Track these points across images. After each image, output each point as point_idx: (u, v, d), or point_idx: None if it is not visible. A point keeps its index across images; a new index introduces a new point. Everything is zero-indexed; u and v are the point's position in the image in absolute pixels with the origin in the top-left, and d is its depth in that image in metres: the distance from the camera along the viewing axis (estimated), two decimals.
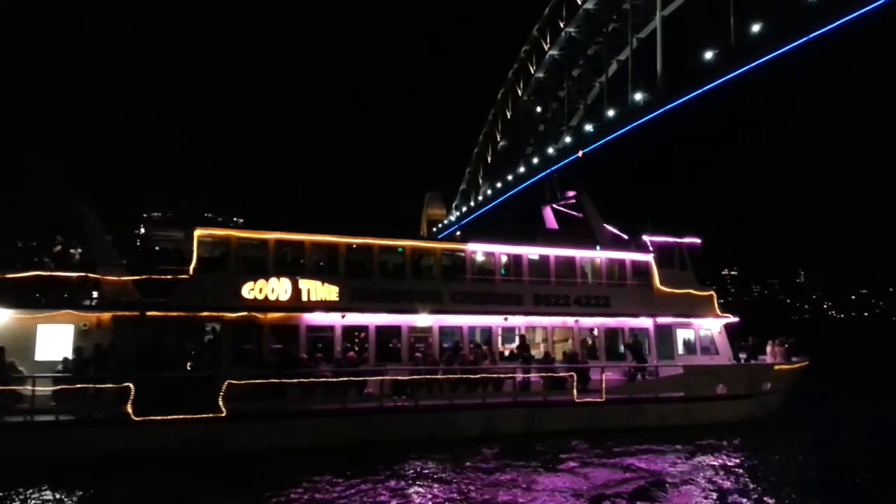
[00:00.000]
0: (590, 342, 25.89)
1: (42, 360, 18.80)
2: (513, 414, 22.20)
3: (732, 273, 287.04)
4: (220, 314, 20.63)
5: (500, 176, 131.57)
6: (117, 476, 16.57)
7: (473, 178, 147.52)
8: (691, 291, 27.34)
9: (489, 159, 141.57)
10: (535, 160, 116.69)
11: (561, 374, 23.20)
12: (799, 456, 21.61)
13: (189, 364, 20.45)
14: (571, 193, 29.71)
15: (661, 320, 26.53)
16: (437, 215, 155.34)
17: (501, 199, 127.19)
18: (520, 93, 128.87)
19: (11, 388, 17.54)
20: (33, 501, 14.95)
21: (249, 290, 20.82)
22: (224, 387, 18.79)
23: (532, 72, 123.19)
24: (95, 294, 20.00)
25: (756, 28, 68.68)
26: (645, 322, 26.39)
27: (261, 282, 20.98)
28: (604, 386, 23.11)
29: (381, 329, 22.80)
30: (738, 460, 20.33)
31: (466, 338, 24.01)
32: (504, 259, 25.32)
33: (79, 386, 18.02)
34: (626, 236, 28.04)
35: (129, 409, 17.79)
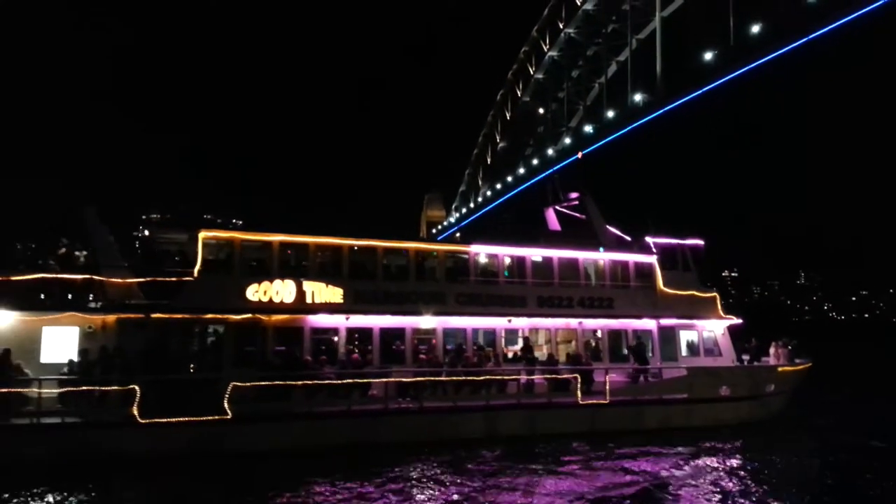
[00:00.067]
0: (593, 344, 25.90)
1: (47, 362, 18.81)
2: (516, 416, 22.22)
3: (733, 275, 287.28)
4: (225, 316, 20.64)
5: (499, 177, 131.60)
6: (123, 478, 16.63)
7: (473, 179, 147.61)
8: (694, 293, 27.36)
9: (489, 160, 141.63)
10: (535, 161, 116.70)
11: (564, 376, 23.23)
12: (801, 457, 21.66)
13: (192, 366, 20.47)
14: (574, 195, 29.70)
15: (665, 322, 26.56)
16: (436, 217, 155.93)
17: (501, 200, 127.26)
18: (519, 94, 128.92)
19: (17, 390, 17.55)
20: (39, 503, 14.96)
21: (254, 292, 20.84)
22: (229, 389, 18.80)
23: (531, 73, 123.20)
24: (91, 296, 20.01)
25: (755, 29, 68.55)
26: (648, 324, 26.41)
27: (265, 284, 21.00)
28: (607, 388, 23.13)
29: (385, 331, 22.81)
30: (740, 462, 20.38)
31: (470, 340, 24.02)
32: (507, 261, 25.35)
33: (84, 388, 18.04)
34: (628, 238, 28.07)
35: (135, 412, 17.82)
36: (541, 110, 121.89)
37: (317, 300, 21.58)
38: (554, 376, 23.24)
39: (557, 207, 30.55)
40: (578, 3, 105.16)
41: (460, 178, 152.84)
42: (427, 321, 23.21)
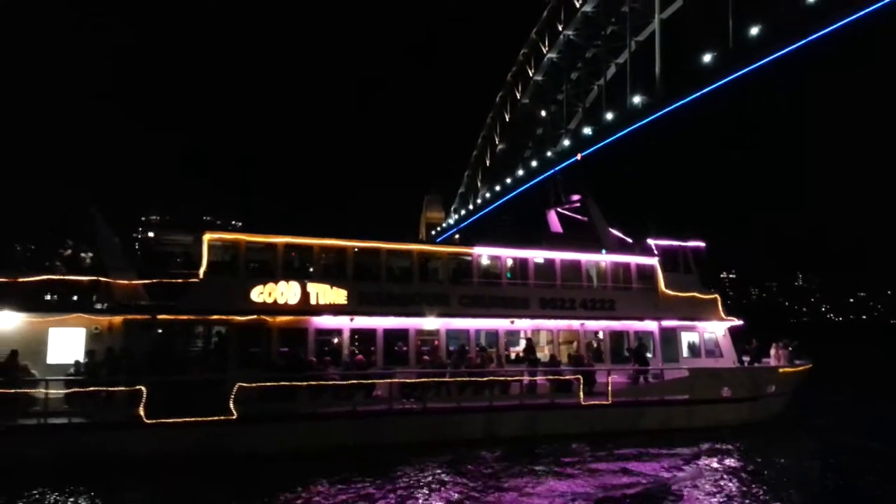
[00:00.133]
0: (595, 345, 26.03)
1: (54, 363, 18.92)
2: (519, 416, 22.34)
3: (731, 276, 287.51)
4: (230, 317, 20.76)
5: (498, 179, 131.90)
6: (129, 478, 16.72)
7: (472, 181, 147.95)
8: (696, 295, 27.50)
9: (488, 162, 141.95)
10: (534, 163, 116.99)
11: (567, 377, 23.35)
12: (802, 458, 21.75)
13: (197, 367, 20.57)
14: (576, 197, 29.85)
15: (666, 323, 26.70)
16: (435, 218, 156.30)
17: (500, 202, 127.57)
18: (518, 96, 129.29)
19: (25, 390, 17.67)
20: (46, 503, 15.07)
21: (259, 294, 20.97)
22: (234, 390, 18.92)
23: (531, 75, 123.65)
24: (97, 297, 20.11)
25: (755, 30, 68.79)
26: (650, 325, 26.55)
27: (270, 285, 21.13)
28: (610, 389, 23.26)
29: (388, 332, 22.94)
30: (741, 463, 20.48)
31: (473, 341, 24.15)
32: (510, 263, 25.51)
33: (91, 389, 18.17)
34: (630, 240, 28.21)
35: (142, 412, 17.94)
36: (544, 113, 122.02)
37: (321, 301, 21.70)
38: (556, 377, 23.37)
39: (559, 209, 30.70)
40: (577, 6, 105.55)
41: (459, 179, 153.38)
42: (430, 322, 23.33)
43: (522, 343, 25.04)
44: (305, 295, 21.49)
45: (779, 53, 66.23)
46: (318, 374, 20.62)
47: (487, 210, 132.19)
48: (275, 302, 21.11)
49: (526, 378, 23.24)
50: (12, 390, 17.41)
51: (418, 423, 21.00)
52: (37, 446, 17.02)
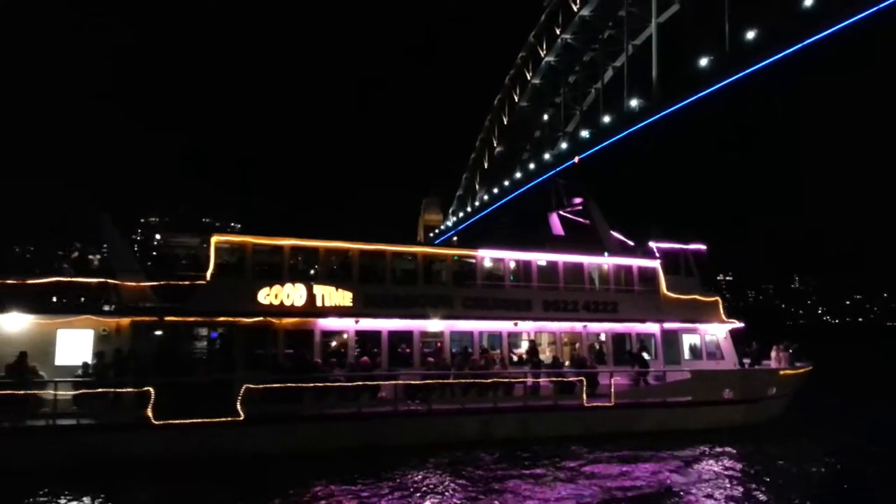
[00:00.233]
0: (597, 347, 26.20)
1: (62, 364, 18.99)
2: (521, 418, 22.46)
3: (728, 278, 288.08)
4: (236, 319, 20.88)
5: (496, 181, 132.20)
6: (137, 479, 16.79)
7: (470, 183, 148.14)
8: (697, 297, 27.69)
9: (486, 165, 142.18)
10: (532, 166, 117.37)
11: (569, 379, 23.51)
12: (802, 460, 21.76)
13: (201, 368, 20.69)
14: (578, 200, 30.06)
15: (668, 326, 26.90)
16: (433, 220, 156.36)
17: (498, 204, 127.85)
18: (516, 99, 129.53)
19: (33, 392, 17.76)
20: None
21: (265, 296, 21.10)
22: (241, 391, 19.04)
23: (528, 78, 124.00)
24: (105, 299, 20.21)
25: (751, 35, 69.15)
26: (652, 327, 26.74)
27: (276, 287, 21.27)
28: (612, 391, 23.42)
29: (393, 334, 23.08)
30: (741, 465, 20.55)
31: (476, 342, 24.30)
32: (513, 265, 25.69)
33: (99, 390, 18.28)
34: (632, 243, 28.39)
35: (150, 413, 18.05)
36: (543, 116, 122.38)
37: (327, 303, 21.84)
38: (559, 379, 23.53)
39: (561, 212, 30.88)
40: (575, 10, 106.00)
41: (458, 181, 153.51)
42: (434, 324, 23.47)
43: (525, 345, 25.21)
44: (311, 297, 21.64)
45: (775, 57, 66.61)
46: (323, 375, 20.74)
47: (485, 212, 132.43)
48: (281, 304, 21.25)
49: (529, 380, 23.38)
50: (21, 392, 17.47)
51: (423, 424, 21.13)
52: (45, 447, 17.12)
